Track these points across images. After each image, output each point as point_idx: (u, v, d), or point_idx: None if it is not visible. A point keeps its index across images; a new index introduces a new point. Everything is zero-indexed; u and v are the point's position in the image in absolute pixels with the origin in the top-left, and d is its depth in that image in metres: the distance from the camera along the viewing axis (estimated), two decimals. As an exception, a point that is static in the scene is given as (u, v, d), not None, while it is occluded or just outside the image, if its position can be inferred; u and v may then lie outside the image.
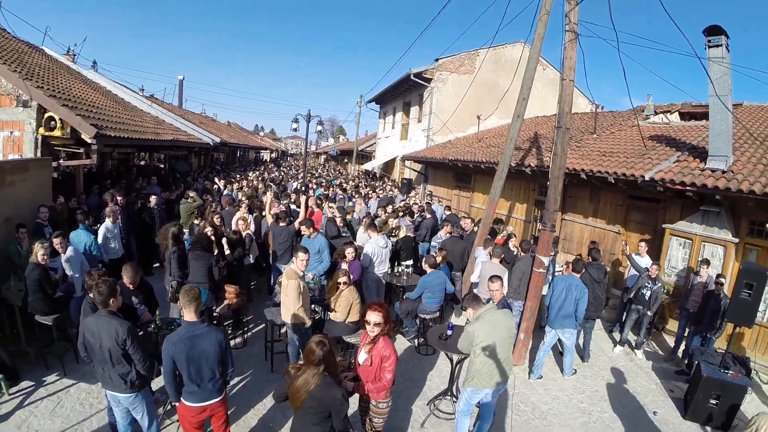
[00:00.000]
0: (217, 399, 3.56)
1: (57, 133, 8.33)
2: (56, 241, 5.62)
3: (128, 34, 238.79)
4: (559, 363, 6.42)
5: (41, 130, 8.37)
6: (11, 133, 8.50)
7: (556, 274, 7.56)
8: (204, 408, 3.52)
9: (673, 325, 7.51)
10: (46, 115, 8.33)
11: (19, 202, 6.56)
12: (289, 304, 4.91)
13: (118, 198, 8.23)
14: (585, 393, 5.84)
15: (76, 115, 8.29)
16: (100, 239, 6.92)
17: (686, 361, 6.59)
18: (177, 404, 3.57)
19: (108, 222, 7.09)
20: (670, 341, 7.35)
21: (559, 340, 6.06)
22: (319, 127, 16.26)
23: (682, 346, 6.86)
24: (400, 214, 9.98)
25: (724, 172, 6.68)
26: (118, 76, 67.83)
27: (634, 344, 7.14)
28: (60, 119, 8.27)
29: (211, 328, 3.55)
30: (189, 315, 3.45)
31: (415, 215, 10.78)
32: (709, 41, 6.24)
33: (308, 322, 5.07)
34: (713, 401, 5.18)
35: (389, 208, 10.60)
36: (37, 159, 8.07)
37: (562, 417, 5.27)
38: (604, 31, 8.57)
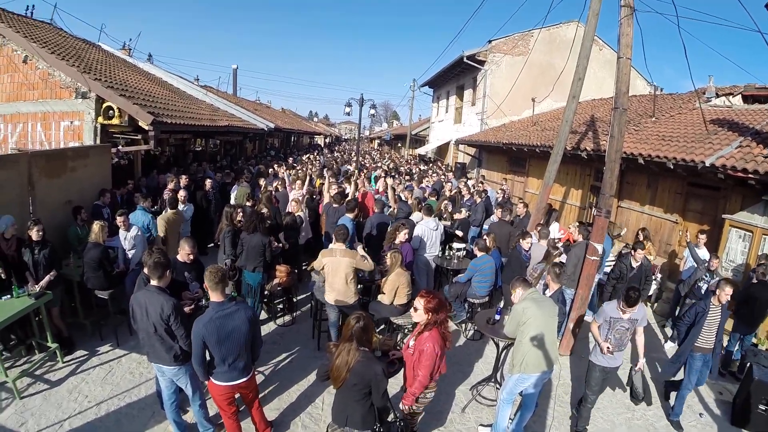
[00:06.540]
0: (245, 379, 3.59)
1: (115, 121, 8.78)
2: (120, 219, 5.92)
3: (183, 27, 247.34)
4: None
5: (100, 119, 8.85)
6: (71, 122, 9.06)
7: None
8: (233, 387, 3.56)
9: (728, 323, 7.00)
10: (105, 105, 8.80)
11: (81, 186, 6.99)
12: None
13: (182, 181, 8.66)
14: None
15: (134, 104, 8.71)
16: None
17: (738, 363, 6.25)
18: (206, 382, 3.61)
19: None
20: (725, 340, 6.88)
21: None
22: (372, 111, 15.99)
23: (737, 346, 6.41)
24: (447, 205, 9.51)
25: (789, 159, 6.13)
26: (173, 68, 70.67)
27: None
28: (118, 108, 8.72)
29: (239, 305, 3.50)
30: (215, 296, 3.43)
31: (465, 199, 10.55)
32: (771, 16, 5.67)
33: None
34: (763, 407, 4.81)
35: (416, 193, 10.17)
36: (97, 146, 8.55)
37: (605, 412, 5.10)
38: (662, 6, 8.03)
